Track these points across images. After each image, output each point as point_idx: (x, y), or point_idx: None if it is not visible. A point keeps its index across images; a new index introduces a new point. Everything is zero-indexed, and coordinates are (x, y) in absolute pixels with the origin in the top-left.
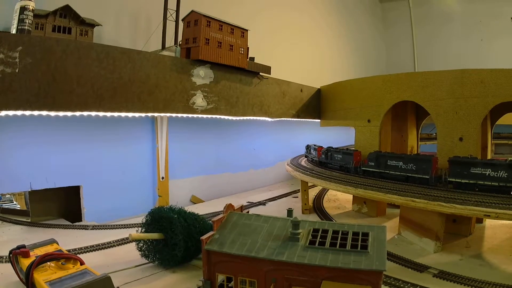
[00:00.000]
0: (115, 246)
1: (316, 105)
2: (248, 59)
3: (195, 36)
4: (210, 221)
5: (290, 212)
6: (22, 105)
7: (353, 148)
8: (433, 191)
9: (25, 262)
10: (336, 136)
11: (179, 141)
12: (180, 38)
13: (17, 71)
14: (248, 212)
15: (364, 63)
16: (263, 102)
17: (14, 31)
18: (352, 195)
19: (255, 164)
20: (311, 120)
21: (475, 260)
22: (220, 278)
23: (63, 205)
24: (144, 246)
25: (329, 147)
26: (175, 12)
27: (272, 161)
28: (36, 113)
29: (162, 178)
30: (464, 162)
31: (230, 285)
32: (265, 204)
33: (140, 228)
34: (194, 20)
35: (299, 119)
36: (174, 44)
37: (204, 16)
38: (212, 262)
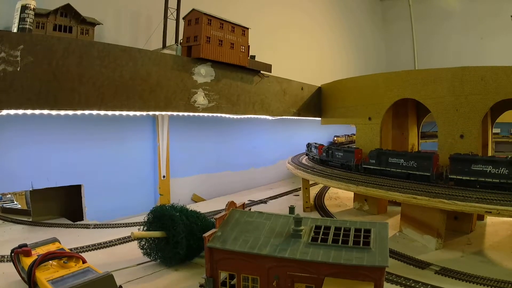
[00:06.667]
0: (117, 244)
1: (317, 103)
2: (249, 57)
3: (196, 35)
4: (212, 219)
5: (292, 209)
6: (24, 104)
7: (354, 146)
8: (434, 188)
9: (27, 261)
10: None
11: (180, 139)
12: (181, 36)
13: (18, 69)
14: (250, 210)
15: (364, 60)
16: (264, 100)
17: (15, 30)
18: (353, 193)
19: (256, 162)
20: (312, 118)
21: (477, 257)
22: (223, 275)
23: (65, 204)
24: (146, 244)
25: (330, 145)
26: (175, 11)
27: (273, 160)
28: (37, 112)
29: (163, 176)
30: (465, 159)
31: (232, 282)
32: (266, 202)
33: (142, 227)
34: (195, 18)
35: (300, 117)
36: (175, 43)
37: (205, 14)
38: (214, 260)
